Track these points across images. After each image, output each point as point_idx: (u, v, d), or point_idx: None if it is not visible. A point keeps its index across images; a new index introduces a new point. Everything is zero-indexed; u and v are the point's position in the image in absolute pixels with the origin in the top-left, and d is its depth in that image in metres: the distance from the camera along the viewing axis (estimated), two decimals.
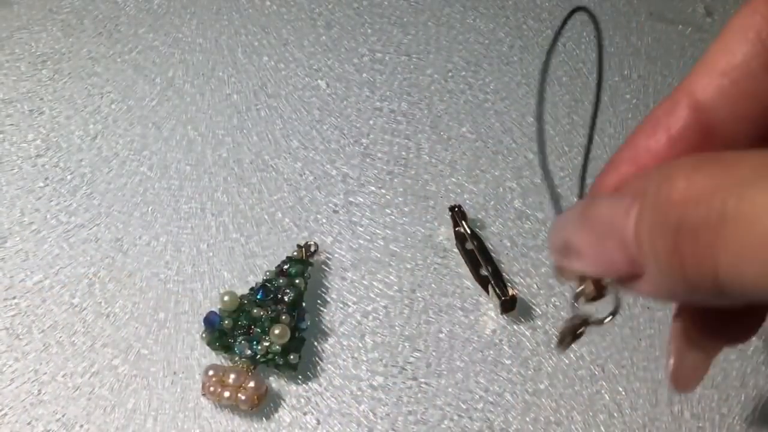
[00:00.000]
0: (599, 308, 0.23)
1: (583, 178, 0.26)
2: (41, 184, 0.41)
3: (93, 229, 0.39)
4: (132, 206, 0.40)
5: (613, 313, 0.24)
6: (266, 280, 0.36)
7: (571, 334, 0.24)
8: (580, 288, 0.23)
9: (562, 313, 0.37)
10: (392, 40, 0.45)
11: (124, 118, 0.43)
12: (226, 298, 0.35)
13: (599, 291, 0.22)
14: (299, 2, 0.47)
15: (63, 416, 0.35)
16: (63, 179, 0.41)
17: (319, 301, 0.38)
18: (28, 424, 0.34)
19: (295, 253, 0.37)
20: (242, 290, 0.37)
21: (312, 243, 0.38)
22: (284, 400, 0.35)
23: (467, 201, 0.40)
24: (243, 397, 0.34)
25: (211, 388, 0.34)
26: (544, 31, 0.46)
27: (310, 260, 0.37)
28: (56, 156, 0.41)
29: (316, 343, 0.36)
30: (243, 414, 0.35)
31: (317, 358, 0.36)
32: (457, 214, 0.38)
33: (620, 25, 0.46)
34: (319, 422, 0.35)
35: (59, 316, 0.37)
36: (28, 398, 0.35)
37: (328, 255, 0.39)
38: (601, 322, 0.24)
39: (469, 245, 0.37)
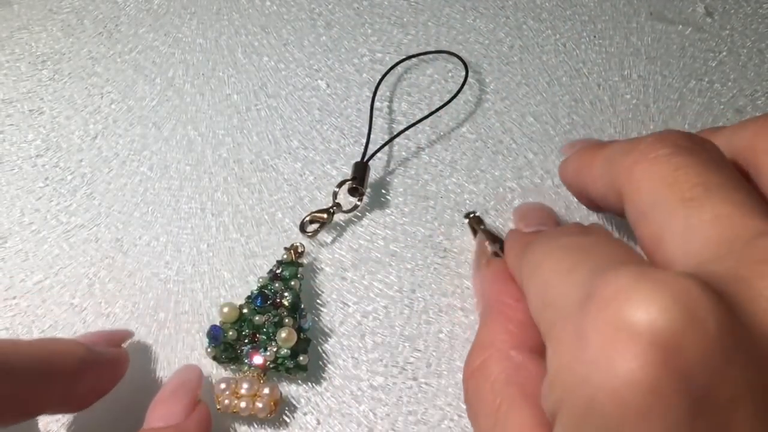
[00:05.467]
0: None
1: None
2: (41, 184, 0.41)
3: (93, 229, 0.39)
4: (132, 206, 0.40)
5: (356, 206, 0.39)
6: (262, 286, 0.36)
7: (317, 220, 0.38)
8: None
9: None
10: (392, 40, 0.45)
11: (124, 118, 0.43)
12: (225, 309, 0.35)
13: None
14: (299, 2, 0.47)
15: (63, 416, 0.35)
16: (63, 179, 0.41)
17: (318, 302, 0.38)
18: (29, 424, 0.34)
19: (285, 256, 0.37)
20: (243, 290, 0.37)
21: (299, 244, 0.37)
22: (284, 400, 0.35)
23: (467, 201, 0.40)
24: (260, 405, 0.33)
25: (226, 401, 0.34)
26: (544, 31, 0.46)
27: (300, 261, 0.37)
28: (56, 156, 0.41)
29: (316, 344, 0.36)
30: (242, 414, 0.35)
31: (317, 359, 0.36)
32: (474, 220, 0.38)
33: (620, 24, 0.46)
34: (319, 422, 0.35)
35: (59, 316, 0.37)
36: None
37: (328, 255, 0.39)
38: (346, 211, 0.39)
39: (492, 248, 0.36)
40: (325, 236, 0.39)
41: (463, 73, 0.43)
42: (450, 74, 0.44)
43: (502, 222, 0.40)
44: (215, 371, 0.36)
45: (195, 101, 0.43)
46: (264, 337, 0.35)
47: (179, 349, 0.36)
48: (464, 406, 0.33)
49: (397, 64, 0.43)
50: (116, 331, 0.35)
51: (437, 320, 0.37)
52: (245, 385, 0.34)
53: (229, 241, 0.39)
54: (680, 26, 0.46)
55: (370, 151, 0.40)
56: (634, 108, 0.43)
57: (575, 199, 0.36)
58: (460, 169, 0.41)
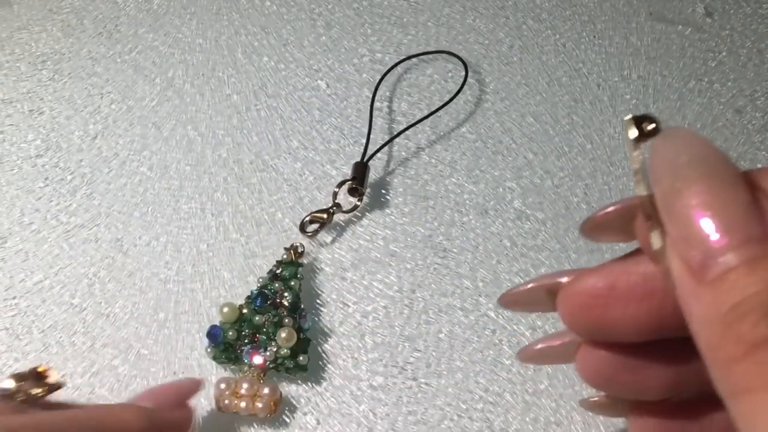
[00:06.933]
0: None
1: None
2: (41, 184, 0.41)
3: (93, 229, 0.39)
4: (132, 206, 0.40)
5: (356, 206, 0.39)
6: (262, 287, 0.36)
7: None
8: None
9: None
10: (392, 40, 0.45)
11: (124, 118, 0.43)
12: (225, 309, 0.35)
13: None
14: (299, 2, 0.47)
15: None
16: (63, 179, 0.41)
17: (318, 302, 0.38)
18: None
19: (285, 256, 0.37)
20: (242, 290, 0.37)
21: (299, 244, 0.37)
22: (284, 400, 0.35)
23: (467, 201, 0.40)
24: (260, 405, 0.33)
25: (226, 401, 0.34)
26: (544, 32, 0.46)
27: (300, 261, 0.37)
28: (56, 156, 0.41)
29: (316, 344, 0.37)
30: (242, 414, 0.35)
31: (317, 359, 0.36)
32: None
33: (620, 25, 0.46)
34: (319, 422, 0.35)
35: (59, 316, 0.37)
36: None
37: (328, 255, 0.39)
38: (346, 211, 0.39)
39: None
40: (325, 236, 0.39)
41: (463, 73, 0.43)
42: (450, 74, 0.44)
43: (501, 222, 0.40)
44: (215, 371, 0.36)
45: (195, 101, 0.43)
46: (264, 337, 0.35)
47: (179, 349, 0.36)
48: (464, 406, 0.33)
49: (397, 64, 0.43)
50: (184, 383, 0.32)
51: (437, 320, 0.37)
52: (245, 385, 0.34)
53: (229, 241, 0.39)
54: (680, 26, 0.46)
55: (370, 151, 0.40)
56: (634, 108, 0.43)
57: (575, 199, 0.35)
58: (460, 169, 0.41)
